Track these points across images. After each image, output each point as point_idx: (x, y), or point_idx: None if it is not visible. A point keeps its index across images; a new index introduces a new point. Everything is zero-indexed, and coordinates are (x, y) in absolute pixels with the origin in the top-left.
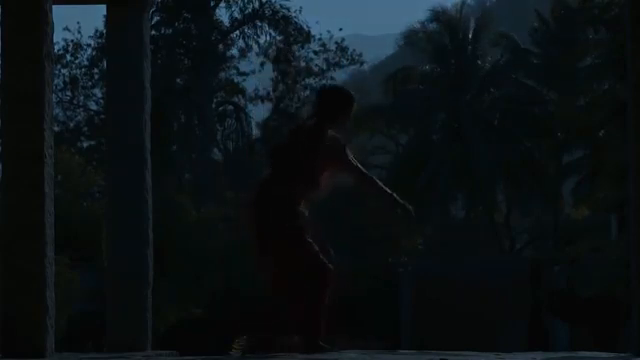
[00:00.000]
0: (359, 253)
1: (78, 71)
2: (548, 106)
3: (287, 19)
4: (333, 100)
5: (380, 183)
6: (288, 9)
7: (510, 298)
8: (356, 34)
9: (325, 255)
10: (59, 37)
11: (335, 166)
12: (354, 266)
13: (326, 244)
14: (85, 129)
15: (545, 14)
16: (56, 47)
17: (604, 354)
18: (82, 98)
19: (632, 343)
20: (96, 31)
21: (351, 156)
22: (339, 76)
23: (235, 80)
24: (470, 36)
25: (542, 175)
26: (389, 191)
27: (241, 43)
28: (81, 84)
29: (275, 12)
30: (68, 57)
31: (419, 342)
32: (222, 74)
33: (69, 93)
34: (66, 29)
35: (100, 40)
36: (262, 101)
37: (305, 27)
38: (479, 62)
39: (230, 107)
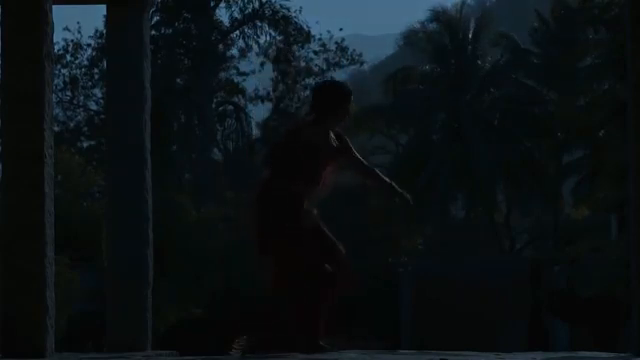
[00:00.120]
0: (359, 253)
1: (78, 71)
2: (548, 106)
3: (287, 19)
4: (331, 95)
5: (381, 174)
6: (288, 9)
7: (510, 298)
8: (356, 34)
9: (332, 253)
10: (59, 37)
11: (340, 161)
12: (354, 266)
13: (336, 241)
14: (85, 129)
15: (545, 14)
16: (56, 47)
17: (604, 354)
18: (82, 98)
19: (632, 343)
20: (96, 31)
21: (354, 150)
22: (339, 76)
23: (235, 80)
24: (470, 36)
25: (542, 175)
26: (388, 181)
27: (241, 43)
28: (81, 84)
29: (275, 12)
30: (68, 57)
31: (419, 342)
32: (222, 74)
33: (69, 93)
34: (66, 29)
35: (100, 40)
36: (262, 101)
37: (305, 27)
38: (479, 62)
39: (230, 107)
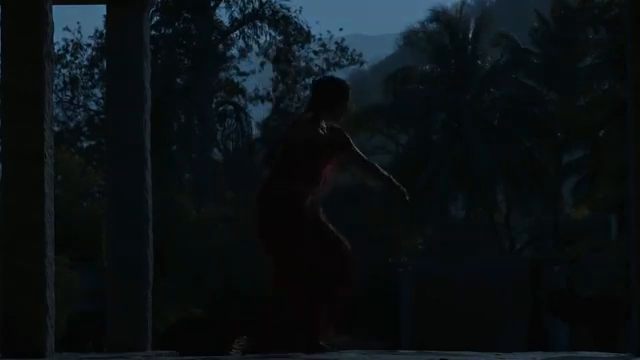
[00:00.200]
0: (359, 253)
1: (78, 71)
2: (548, 106)
3: (287, 19)
4: (329, 91)
5: (380, 169)
6: (288, 9)
7: (510, 298)
8: (356, 34)
9: (335, 251)
10: (59, 37)
11: (340, 157)
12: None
13: (340, 237)
14: (85, 129)
15: (545, 14)
16: (56, 47)
17: (604, 354)
18: (82, 98)
19: (632, 343)
20: (96, 31)
21: (354, 146)
22: (339, 76)
23: (235, 80)
24: (470, 36)
25: (542, 175)
26: (387, 174)
27: (241, 43)
28: (81, 84)
29: (275, 12)
30: (68, 57)
31: (419, 342)
32: (222, 74)
33: (69, 93)
34: (66, 29)
35: (100, 40)
36: (262, 101)
37: (305, 27)
38: (479, 62)
39: (230, 107)
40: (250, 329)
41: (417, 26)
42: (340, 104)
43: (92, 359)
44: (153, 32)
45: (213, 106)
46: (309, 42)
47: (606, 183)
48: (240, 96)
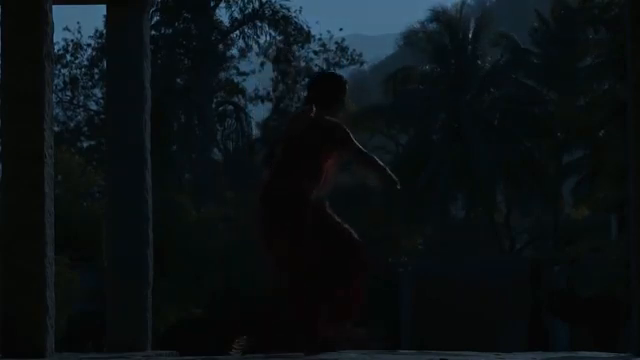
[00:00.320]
0: None
1: (78, 71)
2: (548, 106)
3: (287, 19)
4: (327, 87)
5: (378, 161)
6: (288, 9)
7: (510, 298)
8: (356, 34)
9: (346, 240)
10: (59, 37)
11: (341, 152)
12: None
13: (348, 229)
14: (85, 129)
15: (545, 14)
16: (56, 47)
17: (604, 354)
18: (82, 98)
19: (632, 343)
20: (96, 31)
21: (354, 140)
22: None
23: (235, 80)
24: (470, 36)
25: (542, 175)
26: (382, 165)
27: (241, 43)
28: (81, 84)
29: (275, 12)
30: (68, 57)
31: (419, 342)
32: (222, 74)
33: (69, 93)
34: (66, 29)
35: (100, 40)
36: (262, 101)
37: (305, 27)
38: (479, 62)
39: (230, 107)
40: (250, 329)
41: (417, 26)
42: (338, 99)
43: (92, 359)
44: (153, 32)
45: (213, 106)
46: (309, 42)
47: (606, 183)
48: (240, 96)
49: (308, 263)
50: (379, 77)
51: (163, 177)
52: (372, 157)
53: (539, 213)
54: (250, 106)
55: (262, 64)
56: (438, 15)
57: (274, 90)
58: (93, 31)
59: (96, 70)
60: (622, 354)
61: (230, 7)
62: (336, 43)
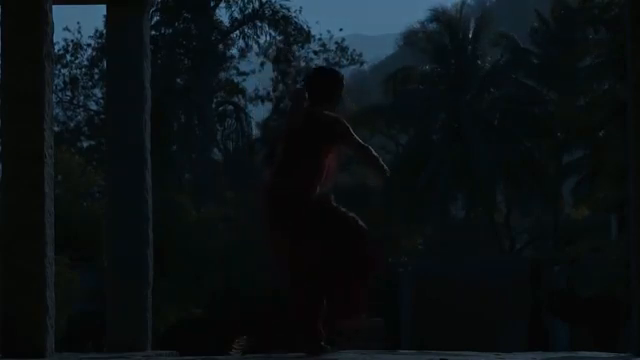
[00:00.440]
0: None
1: (78, 71)
2: (548, 106)
3: (287, 19)
4: (324, 82)
5: (372, 152)
6: (288, 9)
7: (510, 298)
8: (356, 34)
9: (355, 231)
10: (59, 37)
11: (341, 146)
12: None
13: (356, 222)
14: (85, 129)
15: (545, 14)
16: (56, 47)
17: (604, 354)
18: (82, 98)
19: (632, 343)
20: (96, 31)
21: (353, 134)
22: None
23: (235, 80)
24: (470, 36)
25: (542, 175)
26: (375, 155)
27: (241, 43)
28: (81, 84)
29: (275, 12)
30: (68, 57)
31: (419, 342)
32: (222, 74)
33: (69, 93)
34: (66, 29)
35: (100, 40)
36: (262, 101)
37: (305, 27)
38: (479, 62)
39: (230, 107)
40: (250, 329)
41: (417, 26)
42: (336, 93)
43: (92, 359)
44: (153, 32)
45: (213, 106)
46: (309, 42)
47: (606, 183)
48: (240, 96)
49: (308, 263)
50: (379, 77)
51: (163, 177)
52: (368, 148)
53: (539, 213)
54: (250, 106)
55: (262, 64)
56: (438, 15)
57: (274, 90)
58: (93, 31)
59: (96, 70)
60: (622, 354)
61: (230, 7)
62: (336, 43)
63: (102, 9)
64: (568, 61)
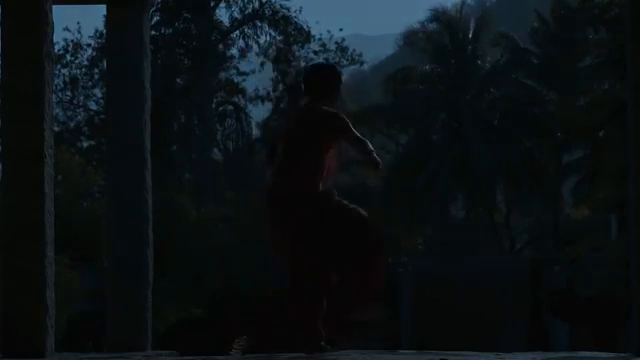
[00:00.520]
0: None
1: (78, 71)
2: (548, 106)
3: (287, 19)
4: (323, 78)
5: (368, 145)
6: (288, 9)
7: (510, 298)
8: (356, 34)
9: (361, 223)
10: (59, 37)
11: (341, 141)
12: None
13: (359, 211)
14: (85, 129)
15: (545, 14)
16: (56, 47)
17: (604, 354)
18: (82, 98)
19: (632, 343)
20: (96, 31)
21: (352, 129)
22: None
23: (235, 80)
24: (470, 36)
25: (542, 175)
26: (371, 149)
27: (241, 43)
28: (81, 84)
29: (275, 12)
30: (68, 57)
31: (419, 342)
32: (222, 74)
33: (69, 93)
34: (66, 29)
35: (100, 40)
36: (262, 101)
37: (305, 27)
38: (479, 62)
39: (230, 107)
40: (250, 329)
41: (417, 26)
42: (334, 89)
43: (92, 359)
44: (153, 32)
45: (213, 106)
46: (309, 42)
47: (606, 183)
48: (240, 96)
49: (308, 263)
50: (379, 77)
51: (163, 177)
52: (366, 142)
53: (539, 213)
54: (250, 106)
55: (262, 64)
56: (438, 15)
57: (274, 90)
58: (93, 31)
59: (96, 70)
60: (622, 354)
61: (230, 7)
62: (336, 43)
63: (102, 9)
64: (568, 61)
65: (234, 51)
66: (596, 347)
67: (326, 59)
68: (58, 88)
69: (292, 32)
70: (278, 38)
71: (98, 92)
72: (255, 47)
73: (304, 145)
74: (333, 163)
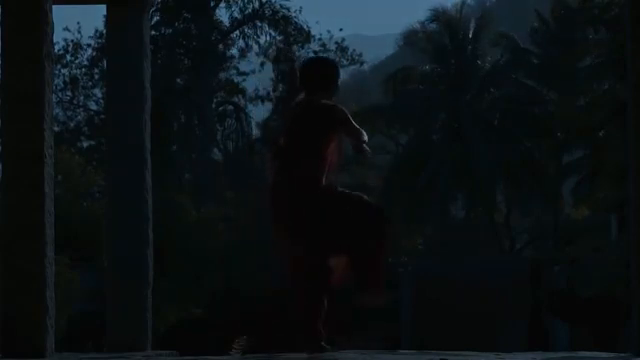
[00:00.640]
0: None
1: (78, 71)
2: (548, 106)
3: (287, 19)
4: (321, 71)
5: (363, 136)
6: (288, 9)
7: (510, 298)
8: (356, 34)
9: (365, 209)
10: (59, 37)
11: (341, 133)
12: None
13: (362, 197)
14: (85, 129)
15: (545, 14)
16: (56, 47)
17: (604, 354)
18: (82, 98)
19: (632, 343)
20: (96, 31)
21: (351, 121)
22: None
23: (235, 80)
24: (470, 36)
25: (542, 175)
26: (364, 139)
27: (241, 43)
28: (81, 84)
29: (275, 12)
30: (68, 57)
31: (419, 342)
32: (222, 74)
33: (69, 93)
34: (66, 29)
35: (100, 40)
36: (262, 101)
37: (305, 27)
38: (479, 62)
39: (230, 107)
40: (250, 329)
41: (417, 26)
42: (332, 82)
43: (92, 359)
44: (153, 32)
45: (213, 106)
46: (309, 42)
47: (606, 183)
48: (240, 96)
49: (309, 263)
50: (379, 77)
51: (163, 177)
52: (362, 132)
53: (539, 213)
54: (250, 106)
55: (262, 64)
56: (438, 15)
57: (274, 90)
58: (93, 31)
59: (96, 70)
60: (622, 354)
61: (230, 7)
62: (336, 43)
63: (102, 9)
64: (568, 61)
65: (234, 51)
66: (596, 347)
67: None
68: (58, 88)
69: (292, 32)
70: (278, 38)
71: (98, 92)
72: (255, 47)
73: (305, 142)
74: (334, 157)
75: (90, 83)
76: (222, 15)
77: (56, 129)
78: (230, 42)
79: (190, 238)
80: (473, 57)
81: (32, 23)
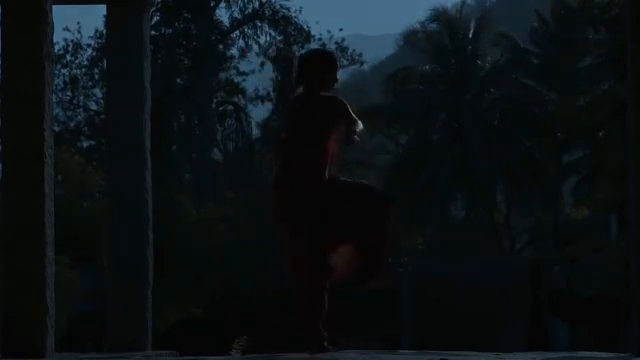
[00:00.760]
0: None
1: (78, 71)
2: (548, 106)
3: (287, 19)
4: (319, 63)
5: (359, 127)
6: (288, 9)
7: (510, 298)
8: (356, 34)
9: (368, 195)
10: (59, 37)
11: (341, 125)
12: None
13: (365, 184)
14: (85, 129)
15: (545, 14)
16: (56, 47)
17: (604, 354)
18: (82, 98)
19: (632, 343)
20: (96, 31)
21: (351, 114)
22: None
23: (235, 80)
24: (470, 36)
25: (542, 175)
26: (358, 130)
27: (241, 43)
28: (81, 84)
29: (275, 12)
30: (68, 57)
31: (419, 342)
32: (222, 74)
33: (69, 93)
34: (66, 29)
35: (100, 40)
36: (262, 101)
37: (305, 27)
38: (479, 62)
39: (230, 107)
40: (250, 329)
41: (417, 26)
42: (330, 73)
43: (92, 359)
44: (153, 32)
45: (213, 106)
46: (309, 42)
47: (606, 183)
48: (240, 96)
49: (309, 263)
50: (379, 77)
51: (163, 177)
52: (357, 122)
53: (539, 213)
54: (250, 106)
55: (262, 64)
56: (438, 15)
57: (274, 90)
58: (93, 31)
59: (96, 70)
60: (622, 354)
61: (230, 7)
62: (336, 43)
63: (102, 9)
64: (568, 61)
65: (234, 51)
66: (596, 347)
67: None
68: (58, 88)
69: (292, 32)
70: (278, 38)
71: (98, 92)
72: (255, 47)
73: (306, 137)
74: (336, 149)
75: (90, 83)
76: (222, 15)
77: (56, 129)
78: (230, 42)
79: (190, 238)
80: (473, 57)
81: (32, 23)
